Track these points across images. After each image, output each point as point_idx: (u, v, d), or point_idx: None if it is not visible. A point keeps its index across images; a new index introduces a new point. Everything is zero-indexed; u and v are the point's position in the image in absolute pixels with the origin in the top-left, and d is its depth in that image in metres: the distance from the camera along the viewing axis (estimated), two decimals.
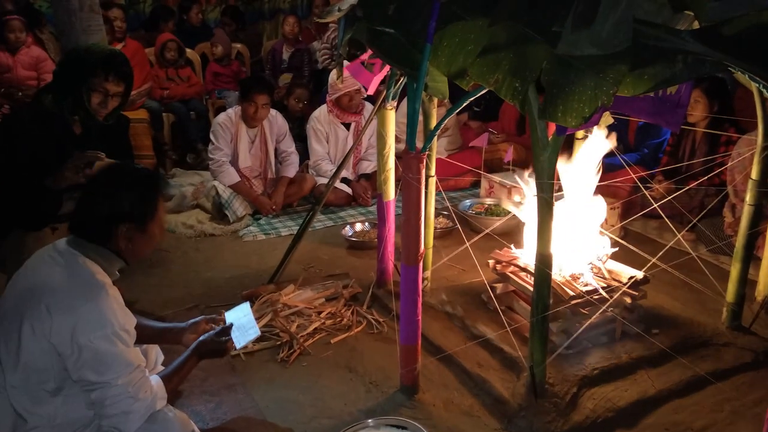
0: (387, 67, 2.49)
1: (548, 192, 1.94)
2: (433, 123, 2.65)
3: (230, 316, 2.24)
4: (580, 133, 2.74)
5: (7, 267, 2.58)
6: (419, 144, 2.07)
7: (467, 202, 4.12)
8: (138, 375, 1.66)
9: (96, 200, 1.74)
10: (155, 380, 1.77)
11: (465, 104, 2.12)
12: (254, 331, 2.15)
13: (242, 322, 2.17)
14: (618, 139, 4.20)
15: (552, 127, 1.86)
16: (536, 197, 1.96)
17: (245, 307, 2.28)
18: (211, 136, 4.18)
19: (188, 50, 5.85)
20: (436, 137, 2.89)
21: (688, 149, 3.79)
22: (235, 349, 2.17)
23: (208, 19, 7.35)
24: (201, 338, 2.01)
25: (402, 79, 2.56)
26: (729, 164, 3.00)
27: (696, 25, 1.68)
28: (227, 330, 2.06)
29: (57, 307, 1.58)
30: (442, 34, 1.82)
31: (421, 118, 2.50)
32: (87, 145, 2.53)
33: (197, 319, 2.16)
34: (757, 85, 1.70)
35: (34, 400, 1.63)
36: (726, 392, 2.28)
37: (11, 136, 2.54)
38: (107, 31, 4.04)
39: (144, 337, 1.99)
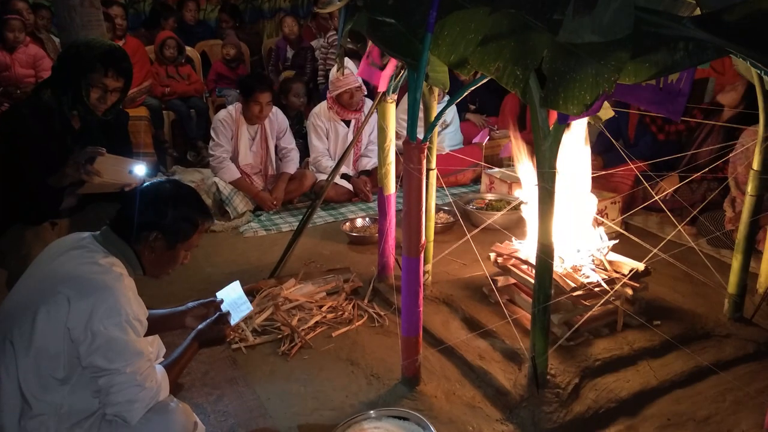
0: (394, 62, 2.48)
1: (549, 182, 1.93)
2: (434, 115, 2.64)
3: (221, 294, 2.24)
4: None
5: (6, 262, 2.58)
6: (420, 136, 2.07)
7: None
8: (146, 364, 1.68)
9: (144, 202, 1.80)
10: (159, 370, 1.78)
11: (463, 96, 2.12)
12: (246, 307, 2.15)
13: (233, 299, 2.18)
14: (618, 134, 4.21)
15: (553, 116, 1.85)
16: (537, 187, 1.96)
17: (236, 285, 2.27)
18: (212, 133, 4.19)
19: (188, 48, 5.85)
20: (437, 134, 2.89)
21: (701, 137, 3.70)
22: (231, 330, 2.16)
23: (209, 19, 7.36)
24: (199, 327, 2.02)
25: (403, 72, 2.56)
26: (731, 155, 2.99)
27: (697, 12, 1.68)
28: (224, 317, 2.06)
29: (75, 293, 1.61)
30: (442, 23, 1.82)
31: (421, 114, 2.50)
32: (86, 140, 2.53)
33: (195, 303, 2.16)
34: (759, 71, 1.71)
35: (43, 386, 1.64)
36: (728, 382, 2.28)
37: (10, 132, 2.53)
38: (108, 29, 4.05)
39: (150, 326, 2.00)
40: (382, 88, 2.60)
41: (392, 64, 2.51)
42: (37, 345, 1.61)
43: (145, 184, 1.91)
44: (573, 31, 1.59)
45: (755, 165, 2.43)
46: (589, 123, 2.72)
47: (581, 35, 1.58)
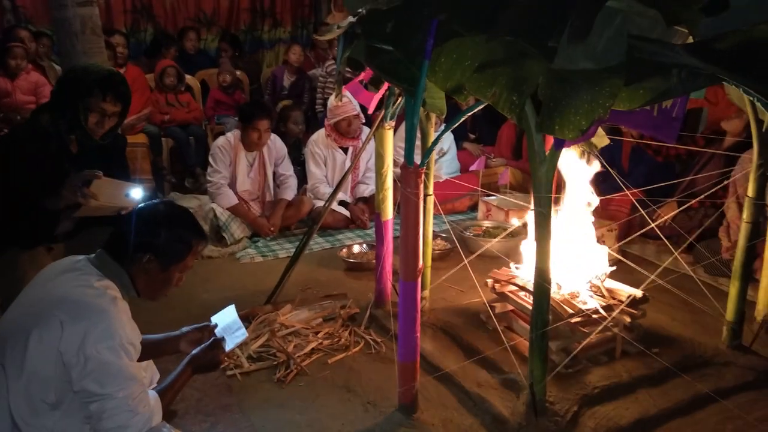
0: (385, 86, 2.51)
1: (546, 206, 1.94)
2: (431, 142, 2.66)
3: (216, 318, 2.21)
4: (577, 152, 2.76)
5: (0, 286, 2.56)
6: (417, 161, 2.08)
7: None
8: (138, 389, 1.66)
9: (138, 223, 1.79)
10: (152, 396, 1.76)
11: (460, 122, 2.13)
12: (242, 333, 2.12)
13: (228, 323, 2.16)
14: (611, 164, 4.22)
15: (549, 142, 1.87)
16: (534, 212, 1.97)
17: (231, 309, 2.25)
18: (210, 159, 4.20)
19: (188, 76, 5.91)
20: (434, 161, 2.91)
21: (702, 162, 3.68)
22: (225, 355, 2.14)
23: (209, 48, 7.47)
24: (193, 352, 2.00)
25: (400, 100, 2.59)
26: (732, 177, 2.99)
27: (690, 40, 1.71)
28: (219, 342, 2.04)
29: (68, 316, 1.60)
30: (439, 51, 1.84)
31: (418, 143, 2.52)
32: (83, 164, 2.53)
33: (189, 328, 2.14)
34: (751, 98, 1.73)
35: (33, 411, 1.61)
36: (728, 411, 2.25)
37: (7, 154, 2.54)
38: (109, 57, 4.09)
39: (144, 351, 1.98)
40: (370, 110, 2.64)
41: (383, 87, 2.53)
42: (29, 369, 1.59)
43: (140, 206, 1.91)
44: (568, 58, 1.62)
45: (750, 192, 2.45)
46: (584, 151, 2.75)
47: (576, 62, 1.61)
